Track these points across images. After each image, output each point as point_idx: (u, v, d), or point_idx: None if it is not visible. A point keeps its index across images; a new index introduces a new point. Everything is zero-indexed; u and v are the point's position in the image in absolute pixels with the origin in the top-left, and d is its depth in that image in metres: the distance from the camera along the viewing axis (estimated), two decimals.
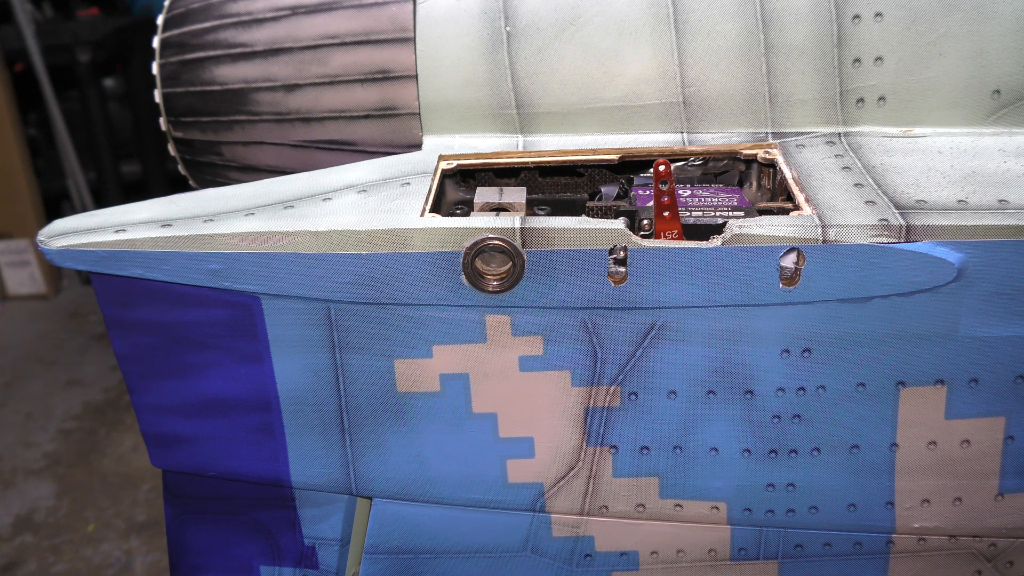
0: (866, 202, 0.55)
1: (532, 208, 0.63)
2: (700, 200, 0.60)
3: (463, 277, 0.55)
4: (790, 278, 0.54)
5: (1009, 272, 0.54)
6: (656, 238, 0.55)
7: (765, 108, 0.65)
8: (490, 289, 0.55)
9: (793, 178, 0.59)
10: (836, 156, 0.62)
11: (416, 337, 0.57)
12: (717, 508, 0.61)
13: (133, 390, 0.61)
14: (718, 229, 0.55)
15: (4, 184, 3.04)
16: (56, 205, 3.31)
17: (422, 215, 0.56)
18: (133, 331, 0.59)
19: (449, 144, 0.66)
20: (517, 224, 0.54)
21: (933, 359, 0.56)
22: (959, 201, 0.55)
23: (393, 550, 0.65)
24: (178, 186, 0.73)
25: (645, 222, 0.57)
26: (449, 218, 0.55)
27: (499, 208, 0.59)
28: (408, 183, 0.60)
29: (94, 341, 2.89)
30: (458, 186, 0.67)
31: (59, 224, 0.57)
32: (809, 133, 0.65)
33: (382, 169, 0.63)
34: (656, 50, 0.65)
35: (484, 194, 0.60)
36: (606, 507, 0.61)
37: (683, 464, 0.60)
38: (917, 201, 0.55)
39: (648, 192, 0.61)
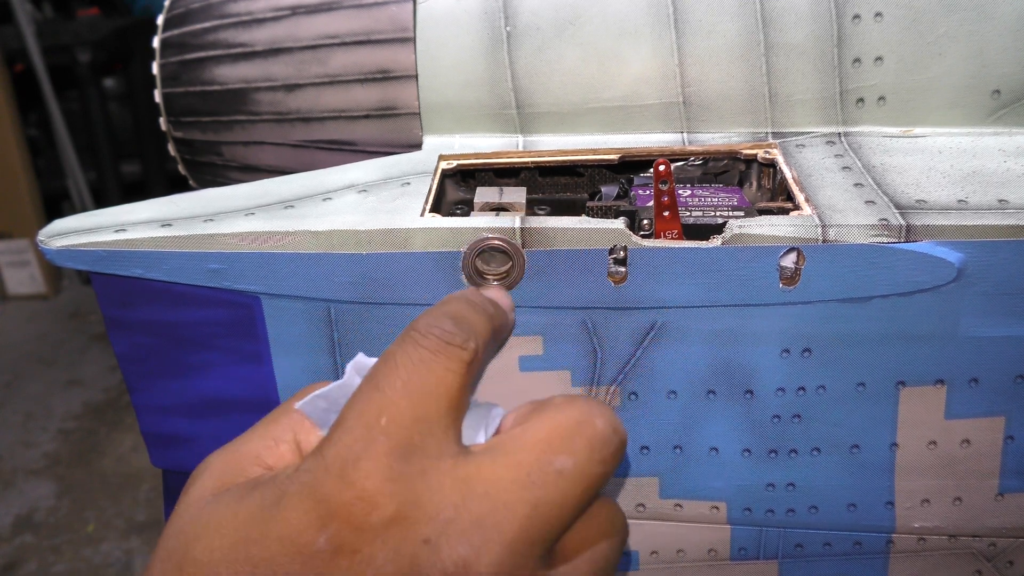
0: (866, 202, 0.55)
1: (532, 208, 0.63)
2: (700, 200, 0.60)
3: (463, 277, 0.55)
4: (790, 278, 0.54)
5: (1009, 272, 0.54)
6: (656, 238, 0.55)
7: (765, 108, 0.65)
8: None
9: (793, 178, 0.59)
10: (836, 156, 0.62)
11: None
12: (717, 508, 0.61)
13: (133, 390, 0.61)
14: (718, 229, 0.55)
15: (4, 184, 3.04)
16: (56, 205, 3.31)
17: (422, 215, 0.56)
18: (133, 331, 0.59)
19: (449, 144, 0.66)
20: (517, 224, 0.54)
21: (933, 359, 0.56)
22: (959, 201, 0.55)
23: None
24: (178, 186, 0.73)
25: (645, 222, 0.57)
26: (449, 218, 0.55)
27: (499, 208, 0.59)
28: (408, 183, 0.60)
29: (94, 341, 2.89)
30: (458, 186, 0.67)
31: (59, 224, 0.57)
32: (809, 133, 0.65)
33: (382, 169, 0.63)
34: (656, 50, 0.65)
35: (484, 194, 0.60)
36: None
37: (683, 464, 0.60)
38: (917, 201, 0.55)
39: (648, 192, 0.61)
